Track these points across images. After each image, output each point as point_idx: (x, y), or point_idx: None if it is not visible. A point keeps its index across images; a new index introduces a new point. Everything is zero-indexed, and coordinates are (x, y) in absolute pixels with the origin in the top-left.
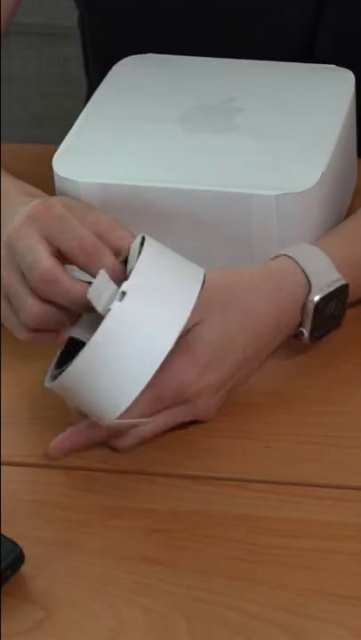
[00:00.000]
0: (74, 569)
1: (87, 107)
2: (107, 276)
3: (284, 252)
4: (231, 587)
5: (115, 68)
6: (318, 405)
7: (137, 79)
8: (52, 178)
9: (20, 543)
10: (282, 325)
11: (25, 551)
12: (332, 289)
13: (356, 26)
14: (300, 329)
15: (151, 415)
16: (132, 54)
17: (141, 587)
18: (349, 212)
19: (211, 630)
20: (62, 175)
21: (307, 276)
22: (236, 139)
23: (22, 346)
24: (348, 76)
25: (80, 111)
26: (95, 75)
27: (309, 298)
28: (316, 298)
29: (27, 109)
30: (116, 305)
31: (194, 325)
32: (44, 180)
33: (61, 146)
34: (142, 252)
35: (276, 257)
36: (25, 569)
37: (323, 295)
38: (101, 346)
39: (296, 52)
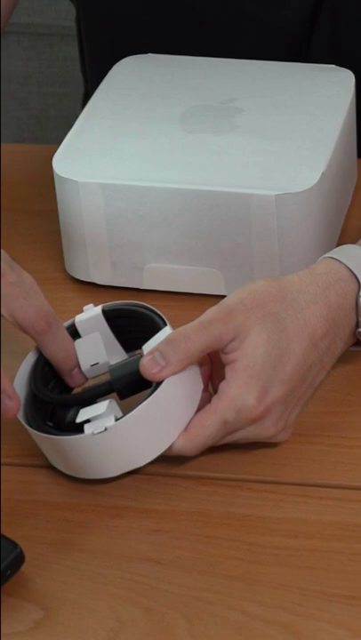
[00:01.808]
0: (74, 569)
1: (87, 107)
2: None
3: (326, 256)
4: (231, 587)
5: (115, 67)
6: (318, 405)
7: (137, 79)
8: (52, 178)
9: (20, 543)
10: (338, 326)
11: (25, 551)
12: None
13: (350, 26)
14: (359, 330)
15: (225, 436)
16: (130, 54)
17: (141, 587)
18: (349, 211)
19: (211, 630)
20: (62, 175)
21: (353, 273)
22: (236, 139)
23: (23, 346)
24: (348, 76)
25: (80, 111)
26: (91, 74)
27: (360, 293)
28: None
29: (27, 109)
30: (101, 431)
31: (246, 342)
32: (44, 180)
33: (61, 146)
34: (159, 389)
35: (319, 261)
36: (25, 569)
37: None
38: (71, 445)
39: (294, 52)
